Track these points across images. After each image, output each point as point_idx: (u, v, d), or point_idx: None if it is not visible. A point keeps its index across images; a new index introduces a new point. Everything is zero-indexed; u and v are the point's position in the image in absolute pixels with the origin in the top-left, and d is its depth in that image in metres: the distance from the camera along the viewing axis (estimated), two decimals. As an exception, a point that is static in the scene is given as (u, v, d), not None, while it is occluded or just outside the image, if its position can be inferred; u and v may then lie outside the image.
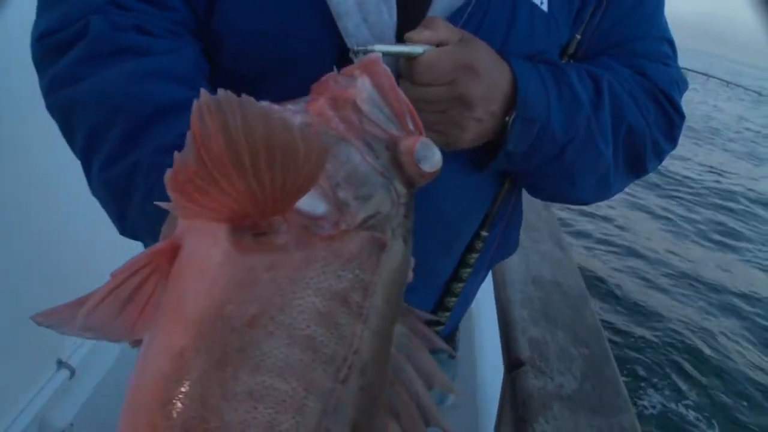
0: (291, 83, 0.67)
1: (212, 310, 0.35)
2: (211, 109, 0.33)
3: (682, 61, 1.03)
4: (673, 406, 3.75)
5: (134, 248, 0.66)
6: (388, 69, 0.45)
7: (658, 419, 3.59)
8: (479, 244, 0.88)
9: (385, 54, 0.58)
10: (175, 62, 0.70)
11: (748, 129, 16.80)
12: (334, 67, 0.49)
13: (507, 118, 0.72)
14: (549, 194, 0.94)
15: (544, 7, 0.79)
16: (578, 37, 0.83)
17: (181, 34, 0.74)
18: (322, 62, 0.66)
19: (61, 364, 1.55)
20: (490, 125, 0.72)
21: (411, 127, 0.44)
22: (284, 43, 0.74)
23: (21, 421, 1.44)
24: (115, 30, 0.68)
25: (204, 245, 0.36)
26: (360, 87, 0.43)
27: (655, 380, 3.97)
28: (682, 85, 0.91)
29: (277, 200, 0.34)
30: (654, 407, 3.69)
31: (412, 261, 0.44)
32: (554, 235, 1.24)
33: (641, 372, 4.01)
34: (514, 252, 1.00)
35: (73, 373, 1.55)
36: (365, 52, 0.62)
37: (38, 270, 1.51)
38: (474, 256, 0.88)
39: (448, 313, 0.90)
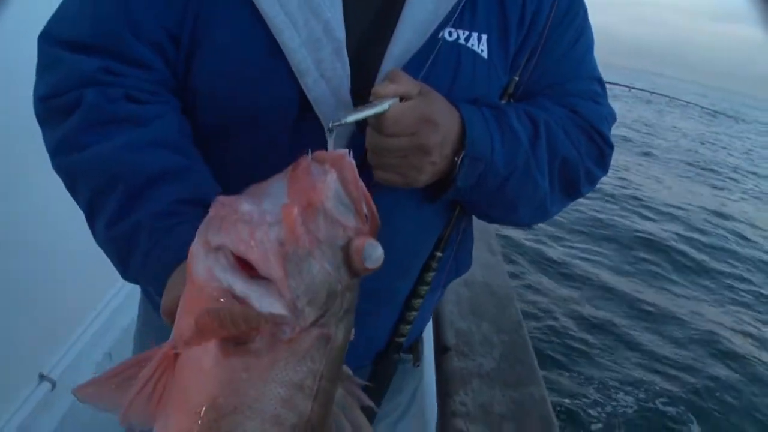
0: (260, 131, 0.81)
1: (207, 402, 0.48)
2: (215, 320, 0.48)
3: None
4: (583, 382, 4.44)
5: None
6: (353, 162, 0.53)
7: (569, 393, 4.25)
8: (435, 264, 0.95)
9: (357, 120, 0.69)
10: (162, 130, 0.78)
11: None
12: (309, 151, 0.55)
13: (456, 159, 0.78)
14: (493, 219, 0.99)
15: (485, 55, 0.86)
16: (516, 78, 0.90)
17: (163, 94, 0.81)
18: (286, 113, 0.79)
19: (42, 377, 1.62)
20: (443, 166, 0.78)
21: (366, 213, 0.53)
22: (254, 97, 0.80)
23: None
24: (107, 102, 0.76)
25: (199, 352, 0.49)
26: (328, 184, 0.51)
27: (568, 364, 4.63)
28: (610, 119, 0.99)
29: (253, 332, 0.48)
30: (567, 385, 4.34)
31: (352, 332, 0.55)
32: (487, 242, 1.38)
33: (558, 357, 4.69)
34: (468, 271, 1.07)
35: (54, 385, 1.62)
36: (339, 126, 0.67)
37: (21, 286, 1.58)
38: (431, 275, 0.96)
39: (408, 326, 0.98)
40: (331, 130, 0.66)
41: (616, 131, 1.04)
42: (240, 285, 0.48)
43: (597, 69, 1.00)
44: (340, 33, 0.77)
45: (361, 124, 0.74)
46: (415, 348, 1.12)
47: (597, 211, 8.55)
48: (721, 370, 5.07)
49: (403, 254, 0.91)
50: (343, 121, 0.67)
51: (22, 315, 1.58)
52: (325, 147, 0.66)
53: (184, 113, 0.83)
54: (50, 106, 0.80)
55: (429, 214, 0.90)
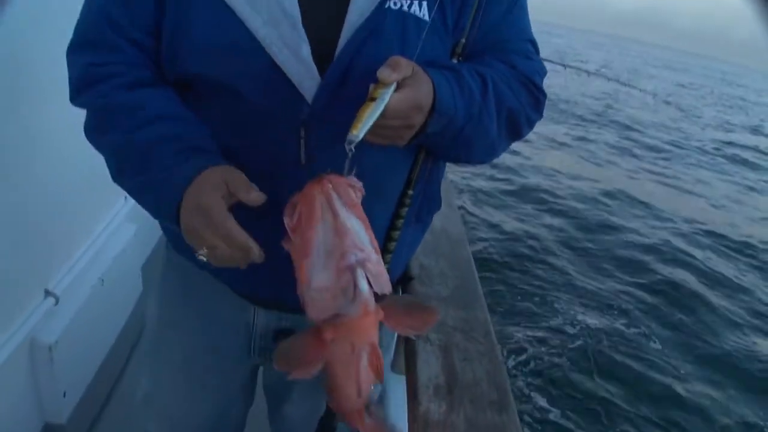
0: (241, 94, 0.93)
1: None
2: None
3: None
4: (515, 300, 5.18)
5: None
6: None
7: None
8: (407, 200, 1.08)
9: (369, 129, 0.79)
10: (158, 105, 0.97)
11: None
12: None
13: (428, 118, 0.91)
14: (452, 159, 1.13)
15: (426, 18, 0.97)
16: (463, 41, 1.02)
17: (144, 69, 0.98)
18: (261, 77, 0.92)
19: (48, 293, 1.78)
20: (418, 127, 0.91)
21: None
22: (233, 68, 0.94)
23: (14, 340, 1.64)
24: (104, 99, 0.96)
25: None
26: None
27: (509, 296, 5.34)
28: (542, 72, 1.11)
29: None
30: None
31: None
32: (447, 199, 1.63)
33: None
34: (439, 209, 1.20)
35: (57, 300, 1.78)
36: (355, 143, 0.77)
37: (28, 209, 1.71)
38: (405, 210, 1.08)
39: (390, 255, 1.10)
40: (349, 148, 0.77)
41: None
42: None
43: (530, 31, 1.14)
44: (294, 11, 0.91)
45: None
46: (397, 285, 1.28)
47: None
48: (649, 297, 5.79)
49: (374, 185, 1.00)
50: (358, 138, 0.77)
51: (29, 236, 1.72)
52: (293, 102, 0.91)
53: (178, 85, 1.00)
54: (77, 104, 1.00)
55: (396, 154, 1.02)
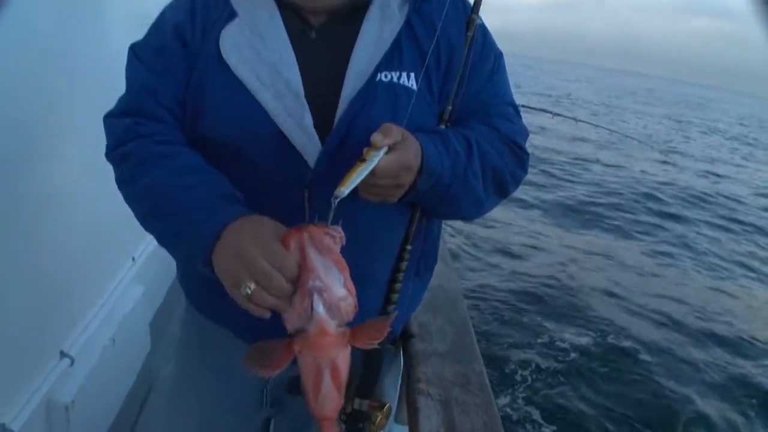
0: (252, 158, 1.03)
1: None
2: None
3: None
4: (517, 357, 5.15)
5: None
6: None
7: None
8: (406, 255, 1.15)
9: (355, 186, 0.87)
10: (185, 159, 1.04)
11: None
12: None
13: (417, 177, 0.99)
14: (442, 215, 1.21)
15: (414, 87, 1.06)
16: (449, 108, 1.10)
17: (178, 138, 1.08)
18: (269, 143, 1.02)
19: (63, 354, 1.83)
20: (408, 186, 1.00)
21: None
22: (245, 135, 1.03)
23: (32, 402, 1.67)
24: (143, 148, 1.04)
25: None
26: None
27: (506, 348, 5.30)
28: (524, 134, 1.19)
29: None
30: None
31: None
32: (442, 255, 1.73)
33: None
34: (436, 262, 1.28)
35: (72, 361, 1.84)
36: (341, 198, 0.85)
37: (43, 272, 1.77)
38: (404, 264, 1.15)
39: (393, 306, 1.16)
40: (334, 202, 0.85)
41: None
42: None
43: (511, 95, 1.22)
44: (297, 86, 1.03)
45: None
46: (397, 341, 1.38)
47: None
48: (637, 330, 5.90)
49: (373, 242, 1.12)
50: (344, 194, 0.86)
51: (45, 299, 1.78)
52: (297, 167, 1.01)
53: (196, 148, 1.09)
54: (111, 159, 1.10)
55: (393, 212, 1.10)
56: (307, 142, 1.03)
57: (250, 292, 0.84)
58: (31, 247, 1.70)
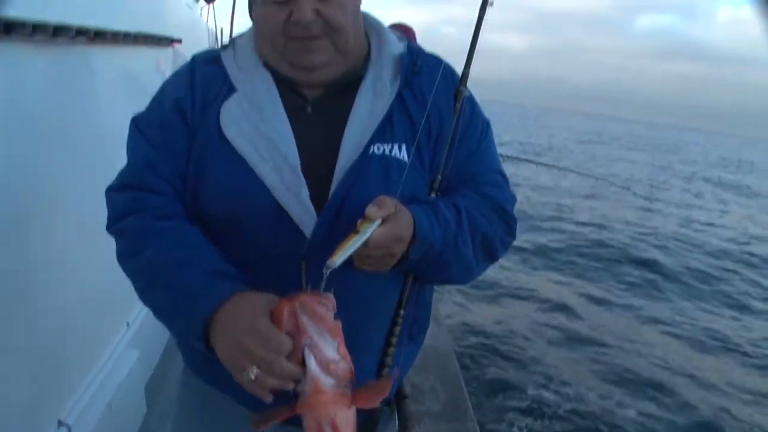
0: (250, 229, 1.06)
1: None
2: None
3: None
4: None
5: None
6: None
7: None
8: (399, 320, 1.18)
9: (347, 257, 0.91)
10: (182, 234, 1.07)
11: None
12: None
13: (409, 247, 1.02)
14: (433, 282, 1.24)
15: (405, 159, 1.09)
16: (439, 177, 1.14)
17: (177, 211, 1.10)
18: (267, 215, 1.05)
19: (60, 423, 1.83)
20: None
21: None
22: (243, 207, 1.06)
23: None
24: (141, 224, 1.08)
25: None
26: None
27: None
28: (512, 200, 1.22)
29: None
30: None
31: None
32: (434, 314, 1.78)
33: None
34: (428, 328, 1.30)
35: (69, 429, 1.83)
36: (333, 268, 0.89)
37: (41, 336, 1.79)
38: (398, 329, 1.18)
39: (387, 369, 1.18)
40: (325, 272, 0.89)
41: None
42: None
43: (499, 163, 1.26)
44: (294, 160, 1.07)
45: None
46: (392, 402, 1.38)
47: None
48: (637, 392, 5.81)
49: (367, 308, 1.15)
50: (336, 265, 0.90)
51: (42, 367, 1.79)
52: (294, 239, 1.04)
53: (196, 220, 1.12)
54: (112, 232, 1.14)
55: (385, 279, 1.11)
56: (304, 215, 1.07)
57: (253, 377, 0.87)
58: (27, 315, 1.72)
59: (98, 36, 1.89)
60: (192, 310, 0.98)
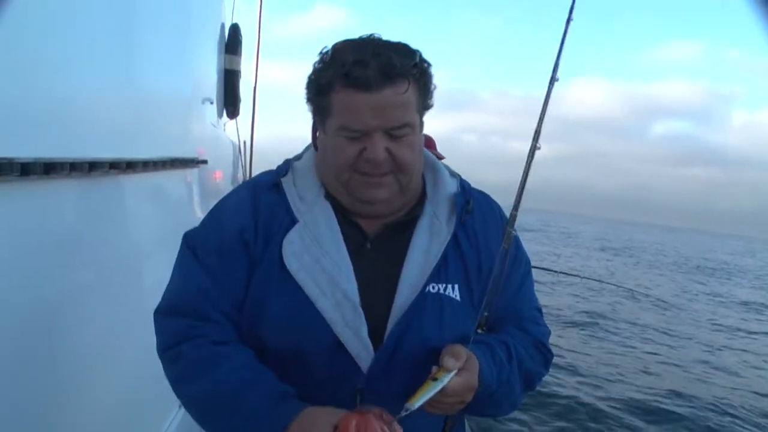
0: (308, 362, 1.08)
1: None
2: None
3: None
4: None
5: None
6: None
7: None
8: None
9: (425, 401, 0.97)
10: (240, 359, 1.08)
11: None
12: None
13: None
14: (483, 414, 1.28)
15: (458, 299, 1.14)
16: (486, 314, 1.18)
17: (233, 339, 1.12)
18: (325, 351, 1.08)
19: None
20: None
21: None
22: (302, 342, 1.09)
23: None
24: (198, 351, 1.09)
25: None
26: None
27: None
28: (548, 335, 1.28)
29: None
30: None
31: None
32: None
33: None
34: None
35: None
36: (411, 411, 0.96)
37: None
38: None
39: None
40: (402, 415, 0.96)
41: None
42: None
43: (536, 300, 1.33)
44: (355, 297, 1.10)
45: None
46: None
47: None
48: None
49: None
50: (414, 408, 0.97)
51: None
52: (351, 372, 1.06)
53: (253, 348, 1.15)
54: (164, 358, 1.16)
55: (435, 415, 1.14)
56: (362, 350, 1.11)
57: None
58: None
59: (130, 166, 2.04)
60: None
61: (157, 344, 1.18)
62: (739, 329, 13.93)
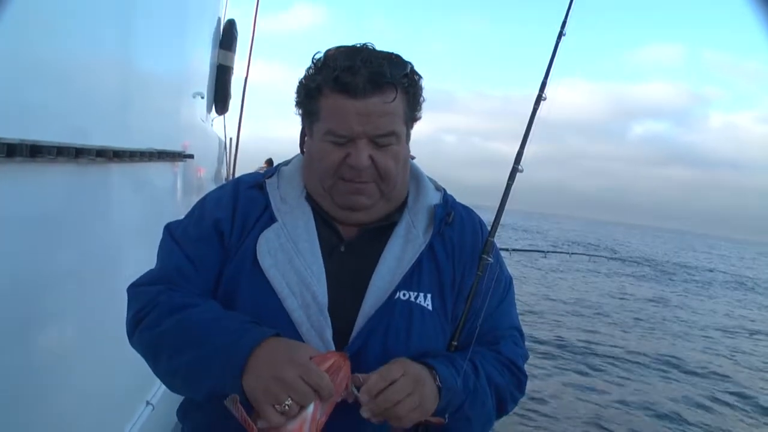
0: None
1: None
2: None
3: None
4: None
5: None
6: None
7: None
8: None
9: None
10: (212, 305, 1.08)
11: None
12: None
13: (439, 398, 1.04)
14: None
15: (430, 308, 1.12)
16: (460, 328, 1.16)
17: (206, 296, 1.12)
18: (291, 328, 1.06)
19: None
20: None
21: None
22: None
23: None
24: (171, 299, 1.08)
25: None
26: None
27: None
28: (525, 357, 1.24)
29: None
30: None
31: None
32: None
33: None
34: None
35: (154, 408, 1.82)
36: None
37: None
38: None
39: None
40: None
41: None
42: None
43: (517, 320, 1.29)
44: (323, 299, 1.10)
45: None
46: None
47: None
48: None
49: None
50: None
51: None
52: None
53: None
54: (137, 320, 1.12)
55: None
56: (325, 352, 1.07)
57: (287, 408, 0.92)
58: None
59: (117, 155, 2.05)
60: (233, 351, 0.99)
61: (128, 315, 1.16)
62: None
